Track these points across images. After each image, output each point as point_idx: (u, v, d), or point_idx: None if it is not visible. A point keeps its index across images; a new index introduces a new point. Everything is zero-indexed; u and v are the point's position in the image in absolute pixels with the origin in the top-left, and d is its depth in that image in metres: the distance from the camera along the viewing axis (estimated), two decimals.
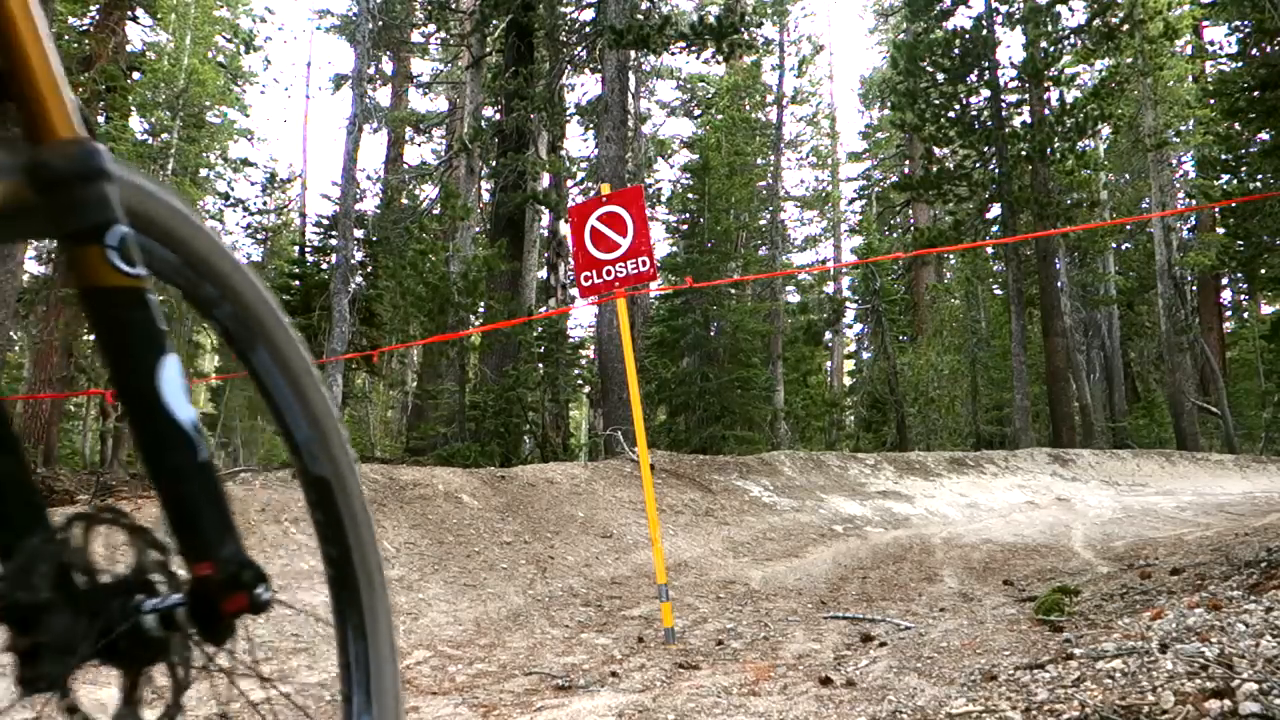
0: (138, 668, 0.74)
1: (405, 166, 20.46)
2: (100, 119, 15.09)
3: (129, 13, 16.28)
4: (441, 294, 9.56)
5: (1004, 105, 16.65)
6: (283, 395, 0.89)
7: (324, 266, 15.22)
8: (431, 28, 18.54)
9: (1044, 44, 16.13)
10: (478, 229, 16.22)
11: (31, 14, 0.66)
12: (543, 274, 17.92)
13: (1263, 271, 17.92)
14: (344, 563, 0.96)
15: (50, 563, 0.61)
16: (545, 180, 16.40)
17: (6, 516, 0.61)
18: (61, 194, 0.64)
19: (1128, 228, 23.22)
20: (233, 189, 25.24)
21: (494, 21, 13.34)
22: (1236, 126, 16.78)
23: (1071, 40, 16.42)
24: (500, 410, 9.84)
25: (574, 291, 13.79)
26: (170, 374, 0.70)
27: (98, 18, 15.51)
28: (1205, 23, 20.71)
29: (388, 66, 21.45)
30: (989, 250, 21.04)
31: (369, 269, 14.53)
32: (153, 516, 0.69)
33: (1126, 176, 25.00)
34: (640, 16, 10.63)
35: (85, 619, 0.64)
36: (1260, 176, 16.74)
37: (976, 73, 16.34)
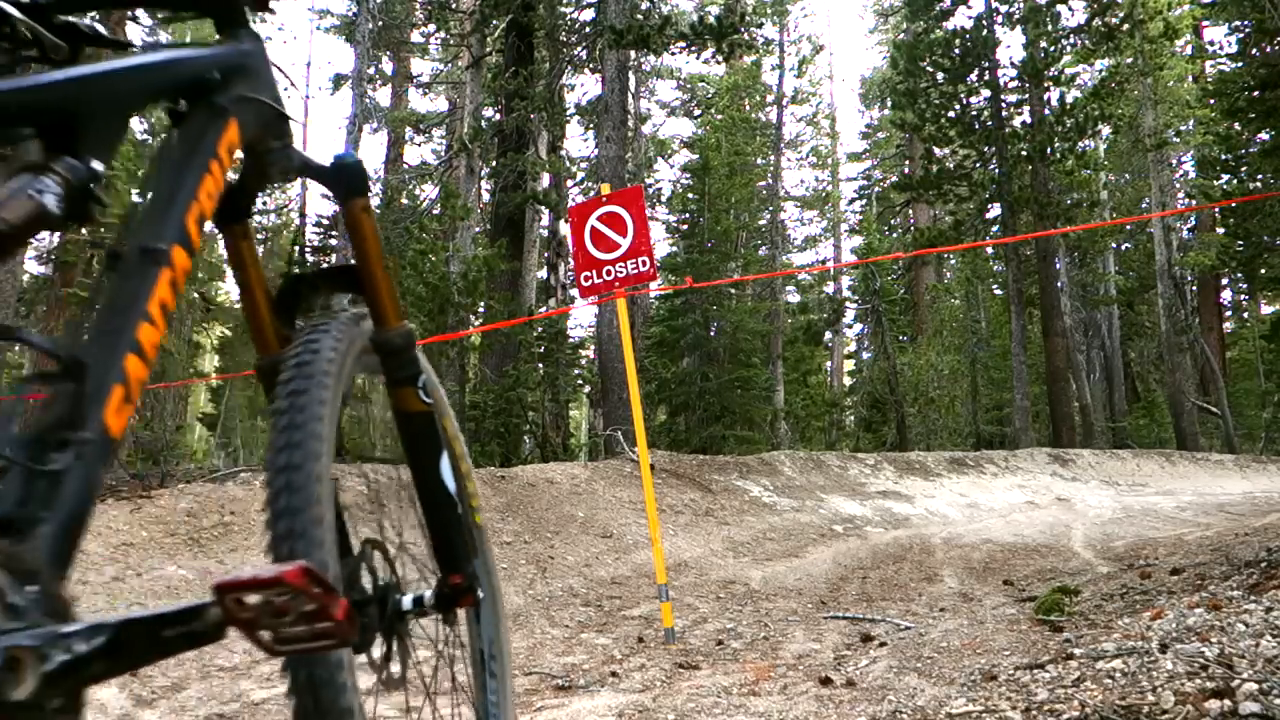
0: (399, 638, 1.10)
1: (405, 166, 20.46)
2: None
3: (129, 13, 16.27)
4: (441, 294, 9.56)
5: (1004, 105, 16.65)
6: (458, 491, 1.25)
7: (324, 266, 15.21)
8: (431, 28, 18.54)
9: (1044, 44, 16.13)
10: (478, 229, 16.21)
11: (376, 234, 1.08)
12: (543, 274, 17.93)
13: (1263, 271, 17.92)
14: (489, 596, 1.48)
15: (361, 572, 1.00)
16: (545, 180, 16.40)
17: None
18: (396, 357, 1.14)
19: (1128, 228, 23.22)
20: None
21: (494, 21, 13.33)
22: (1236, 126, 16.78)
23: (1071, 40, 16.41)
24: (500, 410, 9.85)
25: (574, 291, 13.80)
26: (444, 462, 1.19)
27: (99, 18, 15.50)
28: (1205, 23, 20.70)
29: (388, 66, 21.45)
30: (989, 250, 21.04)
31: None
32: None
33: (1126, 176, 25.00)
34: (640, 16, 10.62)
35: (376, 607, 1.04)
36: (1260, 176, 16.74)
37: (976, 73, 16.34)
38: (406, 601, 1.09)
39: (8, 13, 0.75)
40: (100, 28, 0.88)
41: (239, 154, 0.98)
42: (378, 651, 1.07)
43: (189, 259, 0.85)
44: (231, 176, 0.99)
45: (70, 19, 0.85)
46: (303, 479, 0.89)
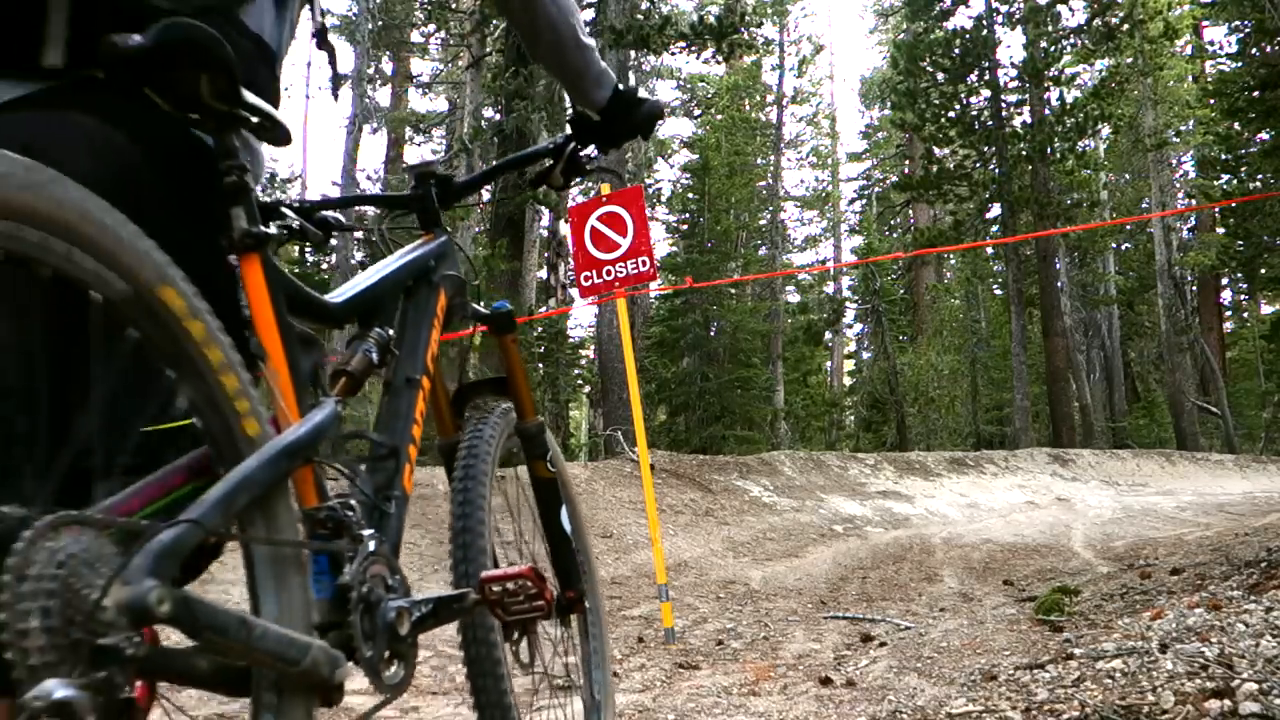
0: (530, 635, 1.56)
1: (405, 166, 20.46)
2: None
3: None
4: None
5: (1004, 105, 16.65)
6: (573, 532, 1.70)
7: (324, 266, 15.22)
8: (431, 28, 18.54)
9: (1044, 44, 16.13)
10: (478, 229, 16.21)
11: (520, 359, 1.63)
12: (543, 274, 17.93)
13: (1263, 271, 17.93)
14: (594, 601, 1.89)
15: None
16: None
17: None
18: (532, 440, 1.61)
19: (1128, 228, 23.22)
20: None
21: (494, 21, 13.32)
22: (1236, 126, 16.77)
23: (1071, 40, 16.42)
24: None
25: (574, 291, 13.79)
26: (563, 513, 1.63)
27: None
28: (1205, 23, 20.71)
29: (388, 66, 21.45)
30: (989, 250, 21.05)
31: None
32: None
33: (1126, 176, 25.00)
34: (640, 16, 10.62)
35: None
36: (1260, 176, 16.74)
37: (976, 73, 16.34)
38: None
39: (285, 211, 1.16)
40: (342, 218, 1.35)
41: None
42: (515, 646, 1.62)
43: (430, 382, 1.39)
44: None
45: (325, 214, 1.31)
46: (475, 523, 1.46)
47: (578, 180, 1.78)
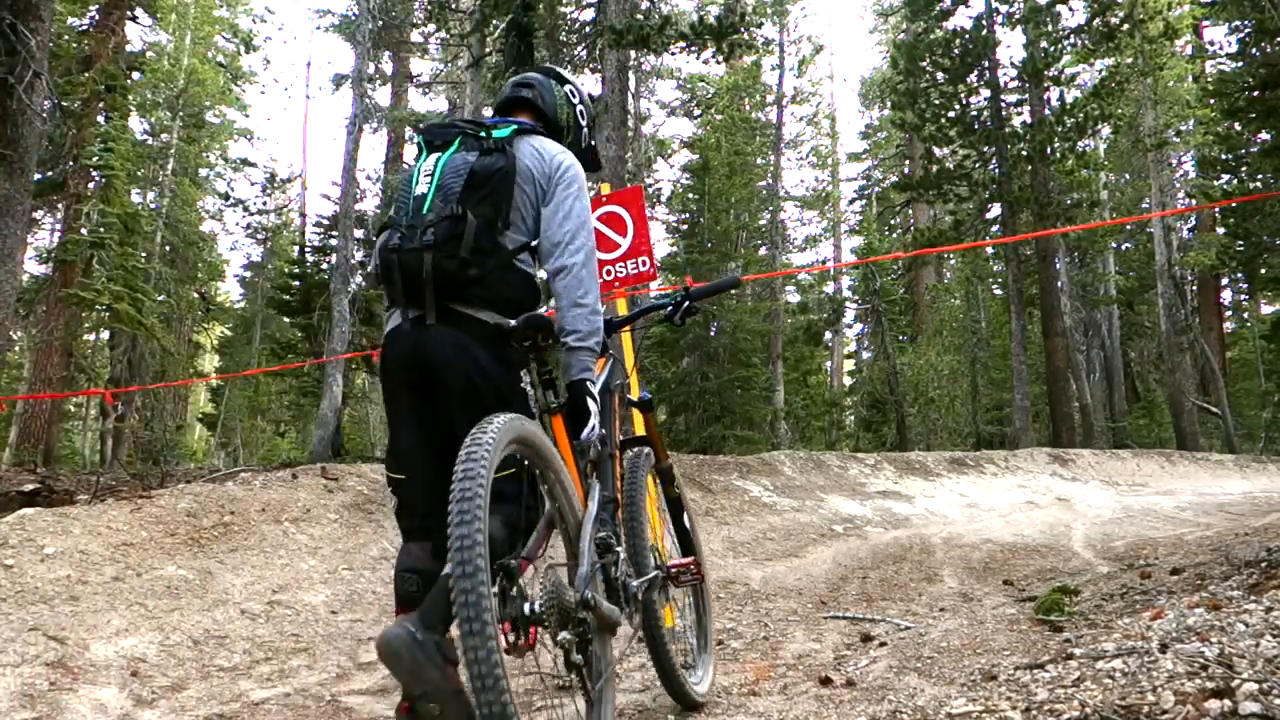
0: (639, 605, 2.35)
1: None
2: (100, 119, 15.08)
3: (129, 13, 16.26)
4: None
5: (1004, 105, 16.64)
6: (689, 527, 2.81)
7: (324, 266, 15.21)
8: (431, 28, 18.53)
9: (1044, 44, 16.12)
10: None
11: (656, 426, 2.85)
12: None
13: (1263, 271, 17.92)
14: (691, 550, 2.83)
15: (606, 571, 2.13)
16: None
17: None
18: (665, 474, 2.75)
19: (1128, 228, 23.21)
20: (233, 189, 25.22)
21: (494, 21, 13.32)
22: (1236, 126, 16.77)
23: (1071, 40, 16.40)
24: None
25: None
26: (683, 518, 2.78)
27: (98, 18, 15.49)
28: (1205, 23, 20.70)
29: (388, 66, 21.44)
30: (989, 250, 21.04)
31: (369, 269, 14.52)
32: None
33: (1126, 176, 24.99)
34: (640, 16, 10.61)
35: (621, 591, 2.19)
36: (1260, 176, 16.73)
37: (976, 73, 16.33)
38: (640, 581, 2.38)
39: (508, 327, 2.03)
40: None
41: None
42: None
43: (618, 452, 2.50)
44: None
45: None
46: (638, 526, 2.37)
47: (691, 317, 2.73)
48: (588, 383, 2.11)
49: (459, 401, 2.00)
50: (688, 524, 2.77)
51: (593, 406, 2.10)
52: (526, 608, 1.70)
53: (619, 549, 2.18)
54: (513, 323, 1.97)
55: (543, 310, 2.11)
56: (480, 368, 2.01)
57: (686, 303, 2.66)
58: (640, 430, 2.83)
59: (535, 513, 2.00)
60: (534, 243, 2.19)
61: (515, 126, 2.22)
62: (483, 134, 2.17)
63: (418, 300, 2.02)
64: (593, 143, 2.56)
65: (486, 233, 2.05)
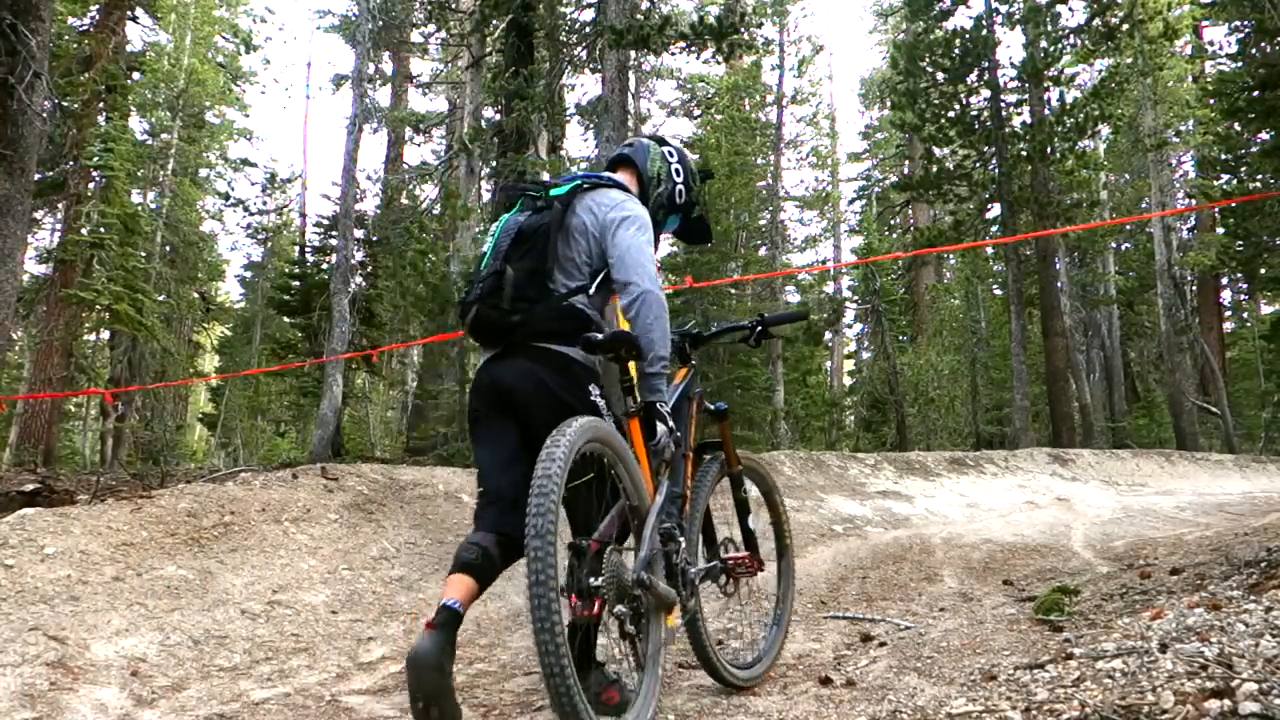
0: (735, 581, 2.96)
1: (405, 166, 20.44)
2: (100, 119, 15.08)
3: (129, 13, 16.27)
4: (441, 294, 9.53)
5: (1004, 105, 16.63)
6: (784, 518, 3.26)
7: (324, 266, 15.21)
8: (431, 28, 18.51)
9: (1044, 44, 16.11)
10: (478, 229, 16.20)
11: (730, 434, 3.10)
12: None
13: (1263, 271, 17.92)
14: (781, 548, 3.25)
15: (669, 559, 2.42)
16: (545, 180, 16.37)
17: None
18: (735, 479, 3.01)
19: (1128, 228, 23.20)
20: (233, 189, 25.23)
21: (494, 21, 13.31)
22: (1236, 126, 16.77)
23: (1071, 40, 16.39)
24: None
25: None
26: (752, 517, 3.06)
27: (98, 18, 15.49)
28: (1205, 23, 20.70)
29: (388, 66, 21.44)
30: (989, 250, 21.03)
31: (369, 269, 14.52)
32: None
33: (1126, 176, 24.99)
34: (640, 16, 10.60)
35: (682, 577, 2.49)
36: (1260, 176, 16.73)
37: (976, 73, 16.32)
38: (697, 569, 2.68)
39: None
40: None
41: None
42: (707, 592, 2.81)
43: (691, 452, 2.78)
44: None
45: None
46: (696, 520, 2.66)
47: (765, 340, 3.14)
48: (657, 404, 2.44)
49: (535, 414, 2.35)
50: (752, 525, 3.02)
51: (660, 426, 2.43)
52: (591, 581, 2.02)
53: (681, 539, 2.44)
54: (598, 336, 2.31)
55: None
56: (549, 388, 2.38)
57: (760, 328, 3.09)
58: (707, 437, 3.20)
59: (607, 502, 2.27)
60: (593, 285, 2.50)
61: (578, 183, 2.57)
62: (539, 194, 2.57)
63: (487, 341, 2.49)
64: (701, 214, 2.95)
65: (529, 283, 2.41)
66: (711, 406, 2.98)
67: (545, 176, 16.25)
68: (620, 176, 2.70)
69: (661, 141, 2.86)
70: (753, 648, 3.03)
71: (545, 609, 1.85)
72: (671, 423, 2.45)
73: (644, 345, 2.39)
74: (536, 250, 2.44)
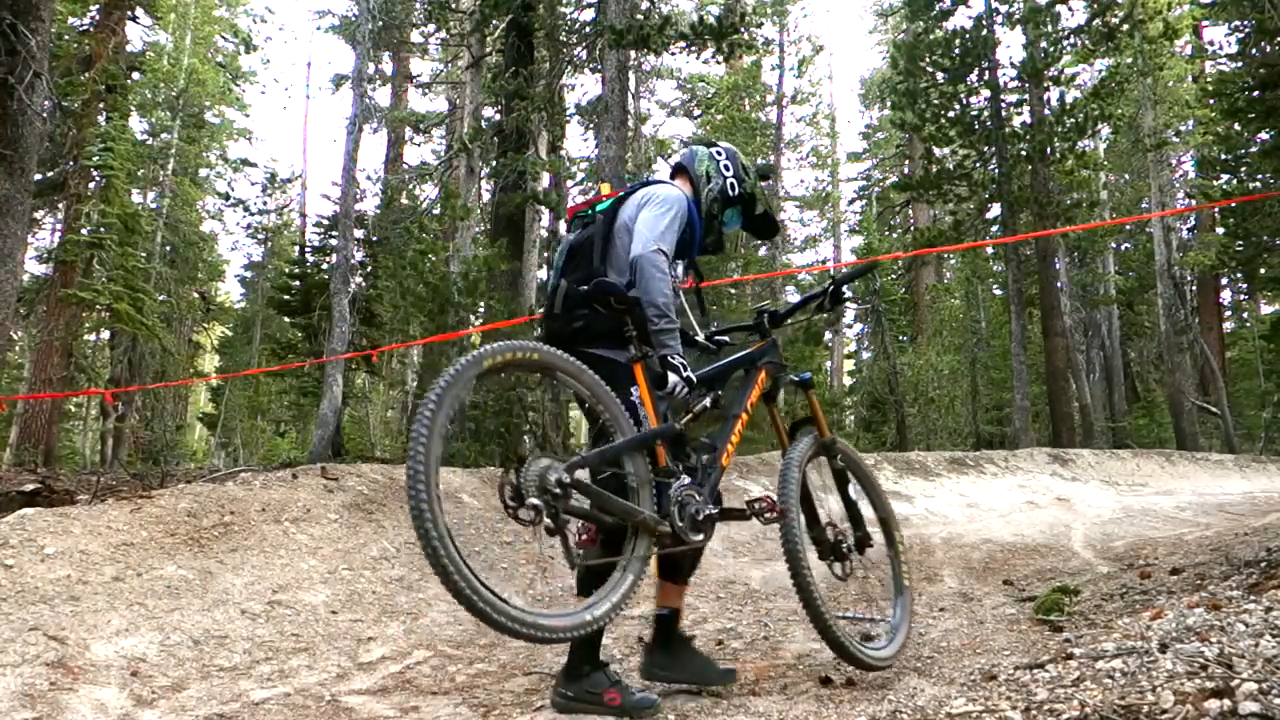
0: (843, 560, 3.21)
1: (405, 166, 20.45)
2: (100, 119, 15.08)
3: (129, 13, 16.27)
4: (441, 294, 9.53)
5: (1004, 105, 16.63)
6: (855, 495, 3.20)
7: (324, 266, 15.22)
8: (431, 28, 18.52)
9: (1044, 44, 16.11)
10: (478, 229, 16.19)
11: (818, 404, 3.19)
12: (543, 274, 17.91)
13: (1263, 271, 17.89)
14: (888, 531, 3.32)
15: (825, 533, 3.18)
16: (545, 180, 16.38)
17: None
18: (827, 448, 3.10)
19: (1128, 228, 23.20)
20: (233, 189, 25.23)
21: (494, 21, 13.31)
22: (1236, 126, 16.75)
23: (1071, 40, 16.39)
24: (500, 410, 9.82)
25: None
26: (848, 489, 3.21)
27: (98, 18, 15.49)
28: (1205, 23, 20.68)
29: (388, 66, 21.44)
30: (989, 250, 21.03)
31: (369, 269, 14.52)
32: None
33: (1126, 176, 24.99)
34: (640, 16, 10.61)
35: (831, 547, 3.18)
36: (1260, 176, 16.72)
37: (976, 73, 16.32)
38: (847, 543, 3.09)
39: (701, 341, 3.00)
40: (726, 339, 3.10)
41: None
42: (838, 568, 3.09)
43: (747, 418, 2.88)
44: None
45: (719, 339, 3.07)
46: (790, 487, 2.85)
47: (840, 303, 3.13)
48: (668, 356, 2.60)
49: (590, 417, 2.62)
50: (853, 494, 3.11)
51: (671, 375, 2.59)
52: (515, 478, 2.21)
53: (684, 479, 2.58)
54: (584, 288, 2.58)
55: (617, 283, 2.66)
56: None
57: (833, 287, 3.08)
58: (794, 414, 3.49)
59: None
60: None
61: (620, 196, 2.87)
62: (588, 212, 2.87)
63: (561, 349, 2.57)
64: (766, 210, 3.09)
65: (578, 291, 2.65)
66: (795, 378, 3.10)
67: (545, 176, 16.29)
68: (676, 183, 2.94)
69: (711, 144, 3.06)
70: (878, 626, 3.19)
71: (416, 489, 2.04)
72: (687, 372, 2.59)
73: (644, 304, 2.57)
74: (585, 260, 2.74)
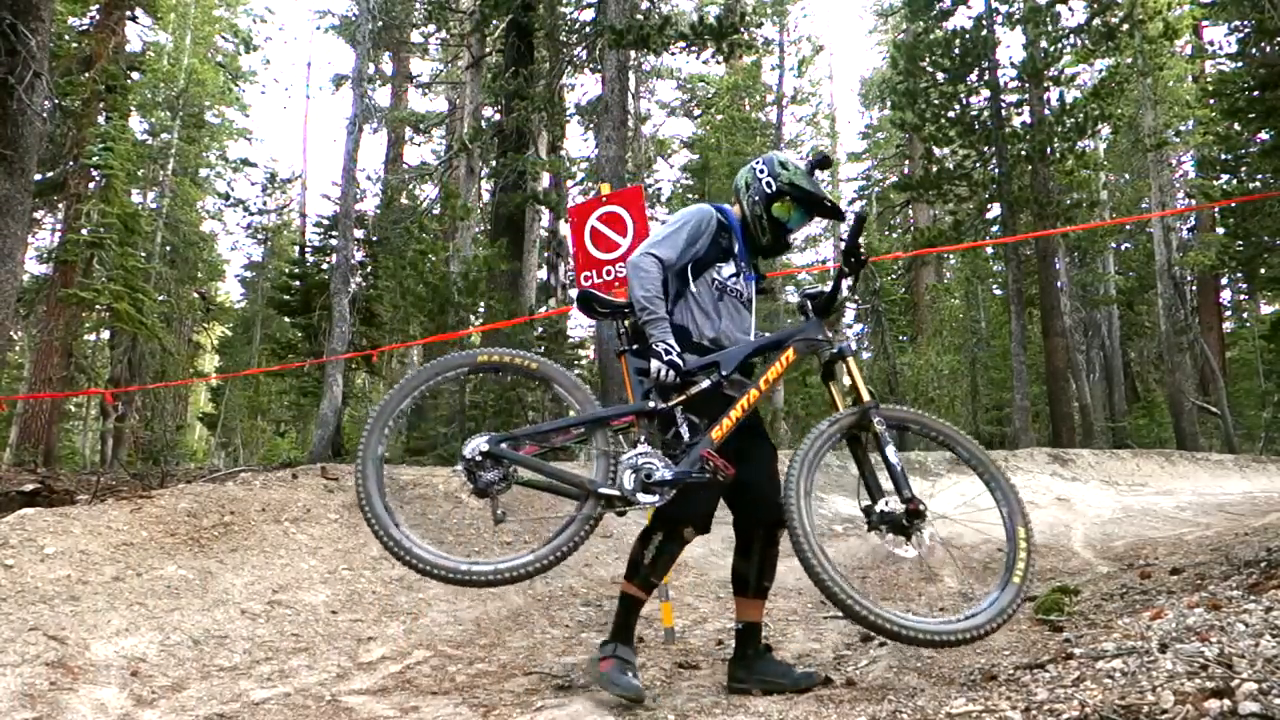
0: (910, 530, 2.87)
1: (405, 166, 20.44)
2: (100, 119, 15.08)
3: (129, 13, 16.27)
4: (441, 294, 9.54)
5: (1004, 105, 16.62)
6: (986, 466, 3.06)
7: (324, 266, 15.21)
8: (431, 28, 18.53)
9: (1044, 44, 16.11)
10: (478, 229, 16.19)
11: (861, 371, 3.13)
12: (543, 274, 17.91)
13: (1263, 271, 17.89)
14: (986, 476, 3.04)
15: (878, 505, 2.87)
16: (545, 180, 16.38)
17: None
18: (865, 417, 2.89)
19: (1128, 228, 23.19)
20: (233, 189, 25.23)
21: (494, 21, 13.31)
22: (1236, 126, 16.75)
23: (1071, 40, 16.38)
24: (500, 410, 9.83)
25: (574, 291, 13.75)
26: (891, 449, 2.88)
27: (98, 18, 15.49)
28: (1205, 23, 20.67)
29: (388, 66, 21.44)
30: (989, 250, 21.02)
31: (369, 269, 14.51)
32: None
33: (1126, 176, 24.98)
34: (640, 16, 10.61)
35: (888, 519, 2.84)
36: (1260, 176, 16.71)
37: (976, 73, 16.31)
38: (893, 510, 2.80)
39: (706, 344, 3.00)
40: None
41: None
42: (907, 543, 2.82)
43: (757, 395, 2.88)
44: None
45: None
46: (791, 485, 2.70)
47: (861, 269, 3.07)
48: (653, 344, 2.78)
49: None
50: (892, 459, 2.85)
51: (654, 362, 2.76)
52: (467, 452, 2.74)
53: (640, 449, 2.76)
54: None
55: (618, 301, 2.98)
56: None
57: (845, 247, 3.09)
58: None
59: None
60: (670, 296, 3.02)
61: None
62: None
63: None
64: (823, 200, 3.13)
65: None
66: (834, 349, 3.03)
67: (545, 176, 16.30)
68: (715, 204, 3.18)
69: (757, 157, 3.30)
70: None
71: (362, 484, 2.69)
72: (669, 357, 2.76)
73: (631, 302, 2.87)
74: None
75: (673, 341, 2.80)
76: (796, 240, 3.64)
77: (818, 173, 3.15)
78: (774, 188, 3.09)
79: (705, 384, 2.80)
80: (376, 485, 2.69)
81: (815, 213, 3.18)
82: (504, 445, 2.72)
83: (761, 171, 3.14)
